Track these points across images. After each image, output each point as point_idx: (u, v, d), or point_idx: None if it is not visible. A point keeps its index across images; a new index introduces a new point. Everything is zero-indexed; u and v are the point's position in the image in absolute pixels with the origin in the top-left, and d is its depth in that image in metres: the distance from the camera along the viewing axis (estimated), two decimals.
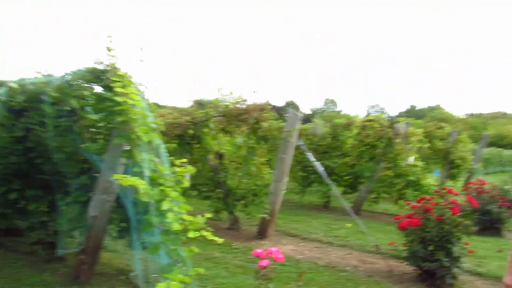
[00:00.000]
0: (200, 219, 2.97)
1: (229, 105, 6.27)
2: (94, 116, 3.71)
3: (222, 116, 6.35)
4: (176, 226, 2.88)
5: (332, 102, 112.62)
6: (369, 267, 5.10)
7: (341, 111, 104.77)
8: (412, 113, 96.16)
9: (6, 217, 4.54)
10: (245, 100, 6.42)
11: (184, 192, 3.21)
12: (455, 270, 4.39)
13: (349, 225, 7.23)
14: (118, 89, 3.22)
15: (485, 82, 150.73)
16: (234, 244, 5.93)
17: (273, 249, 2.60)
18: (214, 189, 7.12)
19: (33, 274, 4.07)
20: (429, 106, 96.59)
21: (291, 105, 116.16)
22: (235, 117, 6.17)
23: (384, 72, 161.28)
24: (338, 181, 10.04)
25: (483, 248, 6.07)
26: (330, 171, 9.53)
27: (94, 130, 3.88)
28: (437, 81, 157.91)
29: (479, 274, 4.91)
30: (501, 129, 68.67)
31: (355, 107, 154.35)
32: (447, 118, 74.97)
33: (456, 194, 4.90)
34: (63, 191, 4.05)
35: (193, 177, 3.52)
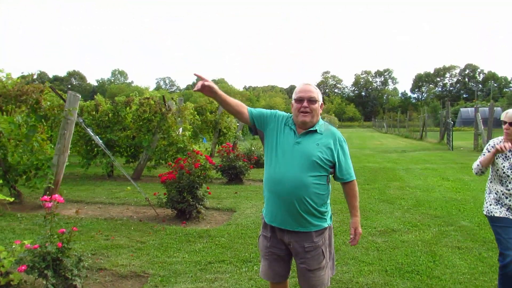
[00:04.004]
0: None
1: (6, 86, 6.58)
2: None
3: None
4: None
5: (121, 73, 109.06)
6: (141, 215, 6.59)
7: (131, 82, 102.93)
8: None
9: None
10: (27, 79, 6.85)
11: None
12: (200, 207, 6.28)
13: (129, 188, 8.56)
14: None
15: (259, 60, 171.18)
16: (19, 214, 6.49)
17: (56, 195, 3.66)
18: None
19: None
20: (213, 80, 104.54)
21: (75, 75, 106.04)
22: (13, 98, 6.56)
23: (176, 42, 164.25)
24: (121, 152, 11.21)
25: (226, 192, 8.37)
26: (113, 144, 10.59)
27: None
28: (223, 56, 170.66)
29: (218, 209, 7.01)
30: (269, 101, 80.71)
31: (146, 78, 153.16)
32: (228, 91, 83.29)
33: (201, 154, 6.78)
34: None
35: None
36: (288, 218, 2.59)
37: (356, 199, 2.72)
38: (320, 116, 2.72)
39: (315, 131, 2.64)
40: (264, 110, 2.77)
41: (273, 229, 2.71)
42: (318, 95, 2.66)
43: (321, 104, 2.71)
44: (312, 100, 2.62)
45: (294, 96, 2.71)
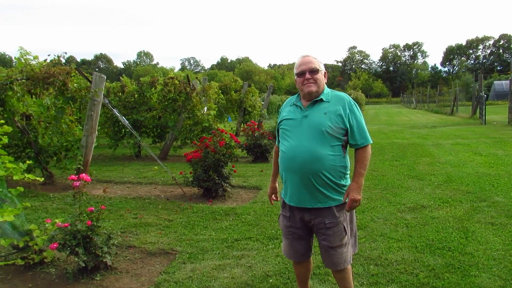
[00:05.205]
0: (22, 166, 3.86)
1: (34, 68, 6.69)
2: None
3: (27, 79, 6.75)
4: (1, 173, 3.72)
5: (147, 55, 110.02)
6: (169, 194, 6.67)
7: (157, 64, 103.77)
8: (223, 66, 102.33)
9: None
10: (53, 62, 6.94)
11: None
12: (225, 185, 6.29)
13: (156, 167, 8.68)
14: None
15: (283, 36, 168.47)
16: (51, 195, 6.69)
17: (83, 174, 3.73)
18: (23, 149, 7.51)
19: None
20: (237, 59, 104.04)
21: (102, 58, 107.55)
22: (41, 81, 6.67)
23: (199, 23, 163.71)
24: (147, 133, 11.34)
25: (251, 171, 8.36)
26: (139, 124, 10.71)
27: None
28: (247, 34, 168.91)
29: (244, 187, 7.01)
30: (294, 79, 79.65)
31: (171, 59, 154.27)
32: (253, 70, 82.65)
33: (225, 133, 6.75)
34: None
35: None
36: (306, 195, 2.54)
37: (363, 165, 2.55)
38: (326, 86, 2.68)
39: (321, 100, 2.58)
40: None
41: (292, 208, 2.68)
42: (319, 64, 2.62)
43: (325, 72, 2.68)
44: (313, 71, 2.59)
45: (295, 71, 2.67)
